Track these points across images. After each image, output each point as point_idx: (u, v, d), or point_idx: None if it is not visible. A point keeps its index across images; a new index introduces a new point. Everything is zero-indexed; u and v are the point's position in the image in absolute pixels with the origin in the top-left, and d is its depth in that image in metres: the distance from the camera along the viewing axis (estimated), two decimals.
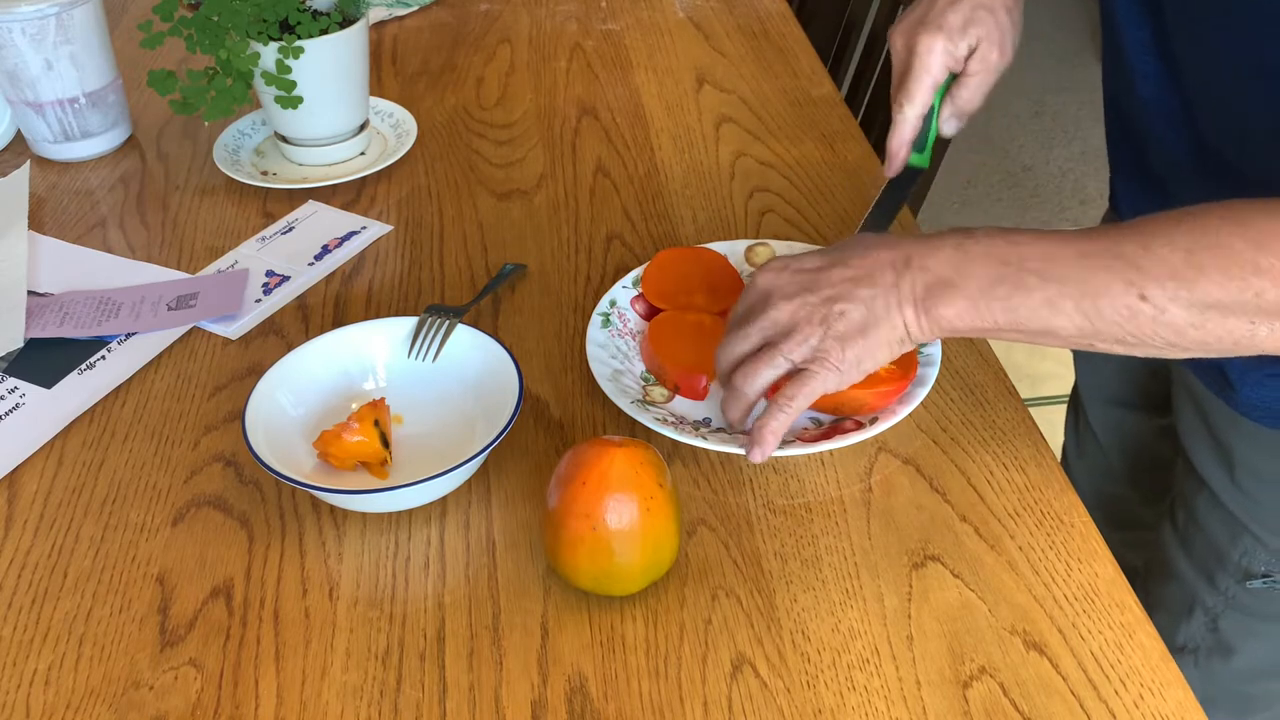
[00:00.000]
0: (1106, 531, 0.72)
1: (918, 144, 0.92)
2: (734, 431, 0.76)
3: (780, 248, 0.93)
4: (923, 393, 0.78)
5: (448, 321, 0.82)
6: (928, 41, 0.84)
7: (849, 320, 0.67)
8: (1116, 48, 0.80)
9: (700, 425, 0.78)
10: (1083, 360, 1.11)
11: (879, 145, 1.18)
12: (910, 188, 0.92)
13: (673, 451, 0.77)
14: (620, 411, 0.80)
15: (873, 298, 0.67)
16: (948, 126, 0.88)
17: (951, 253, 0.66)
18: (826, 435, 0.76)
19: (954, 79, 0.87)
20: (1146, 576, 0.98)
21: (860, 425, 0.76)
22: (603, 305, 0.87)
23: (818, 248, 0.78)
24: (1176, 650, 0.94)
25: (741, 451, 0.74)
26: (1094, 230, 0.64)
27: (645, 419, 0.76)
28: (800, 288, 0.69)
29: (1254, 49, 0.65)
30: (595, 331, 0.84)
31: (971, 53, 0.85)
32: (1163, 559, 0.95)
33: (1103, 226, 0.65)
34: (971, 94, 0.87)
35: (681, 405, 0.80)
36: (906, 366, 0.80)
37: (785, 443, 0.75)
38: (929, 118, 0.90)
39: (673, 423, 0.77)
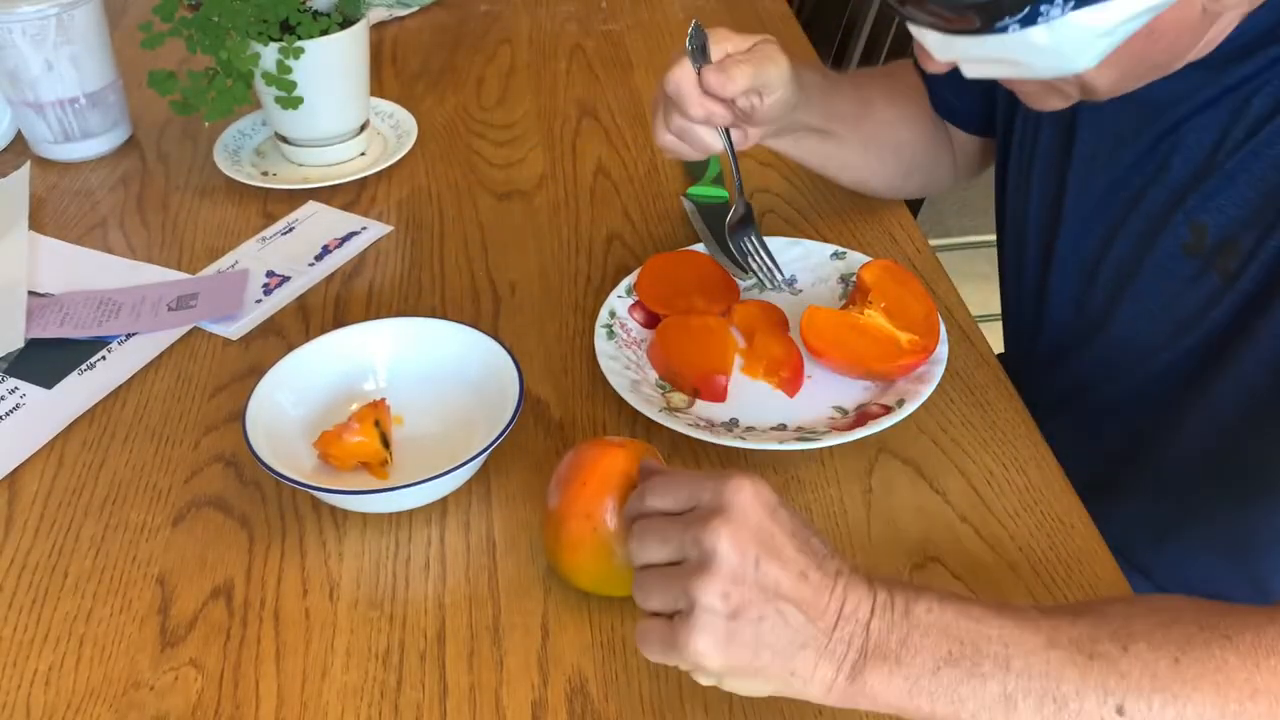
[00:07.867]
0: None
1: (699, 175, 1.02)
2: None
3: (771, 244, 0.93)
4: (928, 390, 0.78)
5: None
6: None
7: (762, 630, 0.54)
8: None
9: (730, 426, 0.78)
10: None
11: None
12: (725, 215, 0.93)
13: (673, 451, 0.77)
14: (621, 411, 0.80)
15: (801, 635, 0.54)
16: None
17: (897, 619, 0.54)
18: (859, 422, 0.76)
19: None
20: None
21: (887, 409, 0.76)
22: (603, 318, 0.85)
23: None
24: None
25: (779, 447, 0.74)
26: (1061, 612, 0.55)
27: (679, 426, 0.75)
28: (742, 572, 0.54)
29: None
30: (603, 344, 0.83)
31: None
32: None
33: (1071, 606, 0.58)
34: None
35: (706, 409, 0.80)
36: (928, 338, 0.80)
37: (819, 434, 0.75)
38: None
39: (705, 427, 0.76)
